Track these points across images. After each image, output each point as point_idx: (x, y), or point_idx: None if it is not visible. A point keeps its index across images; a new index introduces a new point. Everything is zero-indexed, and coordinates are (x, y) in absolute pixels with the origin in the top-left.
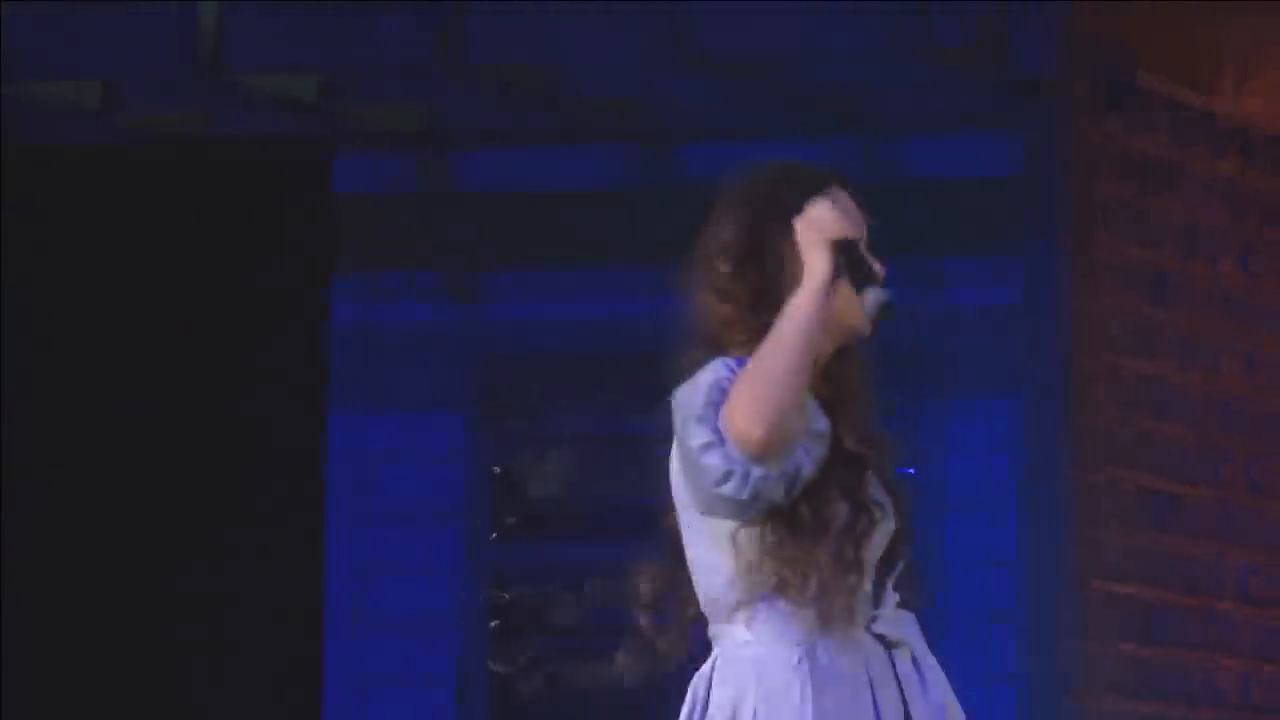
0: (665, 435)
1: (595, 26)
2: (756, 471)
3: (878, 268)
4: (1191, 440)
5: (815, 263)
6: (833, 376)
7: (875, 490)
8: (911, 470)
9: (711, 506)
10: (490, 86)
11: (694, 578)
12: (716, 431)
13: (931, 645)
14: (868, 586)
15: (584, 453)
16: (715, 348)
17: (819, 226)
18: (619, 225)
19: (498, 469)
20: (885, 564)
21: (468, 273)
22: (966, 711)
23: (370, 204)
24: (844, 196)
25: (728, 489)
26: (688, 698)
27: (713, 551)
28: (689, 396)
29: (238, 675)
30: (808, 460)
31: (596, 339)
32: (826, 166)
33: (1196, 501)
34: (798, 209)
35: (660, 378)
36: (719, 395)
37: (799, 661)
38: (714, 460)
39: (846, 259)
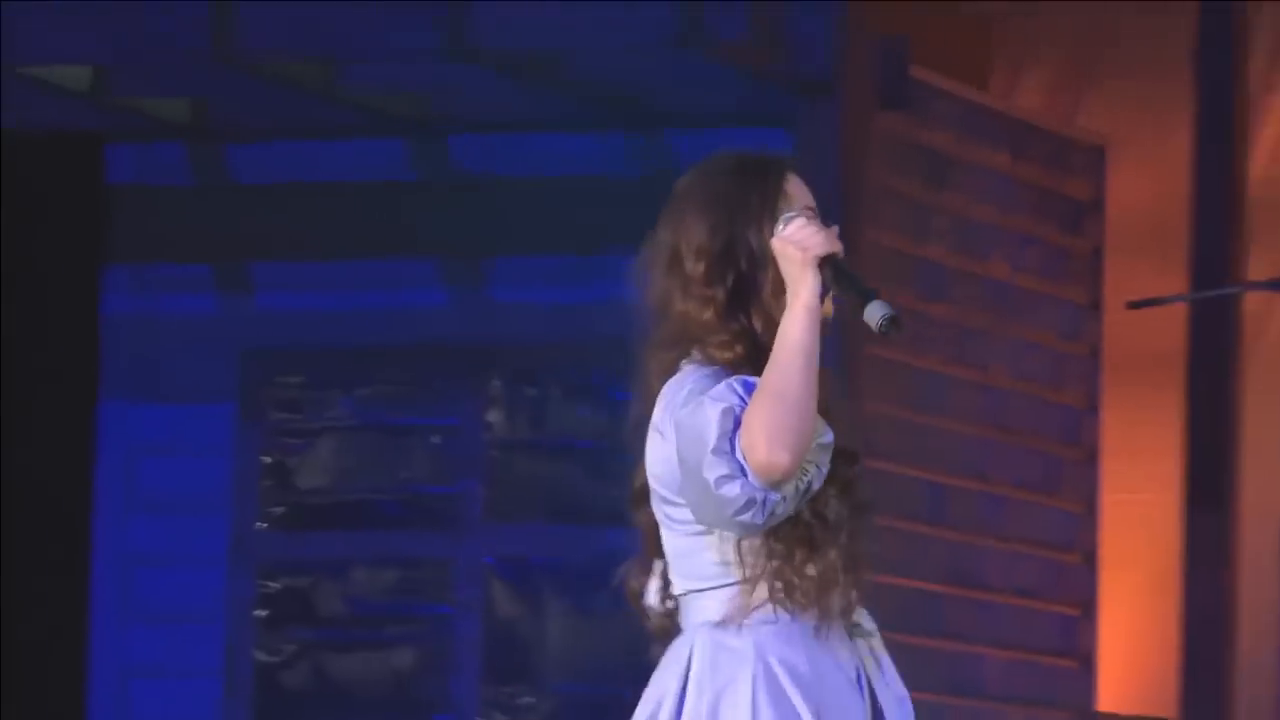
0: (433, 427)
1: (373, 21)
2: (774, 497)
3: (867, 281)
4: (960, 433)
5: (803, 283)
6: None
7: (863, 484)
8: None
9: (724, 527)
10: (265, 79)
11: (673, 562)
12: (736, 462)
13: None
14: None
15: (351, 444)
16: (690, 349)
17: (801, 245)
18: (391, 218)
19: (266, 459)
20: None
21: (238, 264)
22: None
23: (142, 195)
24: (797, 182)
25: (746, 517)
26: (658, 683)
27: (699, 537)
28: (698, 423)
29: None
30: (818, 475)
31: (366, 331)
32: (772, 152)
33: (964, 493)
34: (767, 205)
35: (428, 372)
36: (732, 424)
37: (798, 653)
38: (734, 491)
39: (833, 273)
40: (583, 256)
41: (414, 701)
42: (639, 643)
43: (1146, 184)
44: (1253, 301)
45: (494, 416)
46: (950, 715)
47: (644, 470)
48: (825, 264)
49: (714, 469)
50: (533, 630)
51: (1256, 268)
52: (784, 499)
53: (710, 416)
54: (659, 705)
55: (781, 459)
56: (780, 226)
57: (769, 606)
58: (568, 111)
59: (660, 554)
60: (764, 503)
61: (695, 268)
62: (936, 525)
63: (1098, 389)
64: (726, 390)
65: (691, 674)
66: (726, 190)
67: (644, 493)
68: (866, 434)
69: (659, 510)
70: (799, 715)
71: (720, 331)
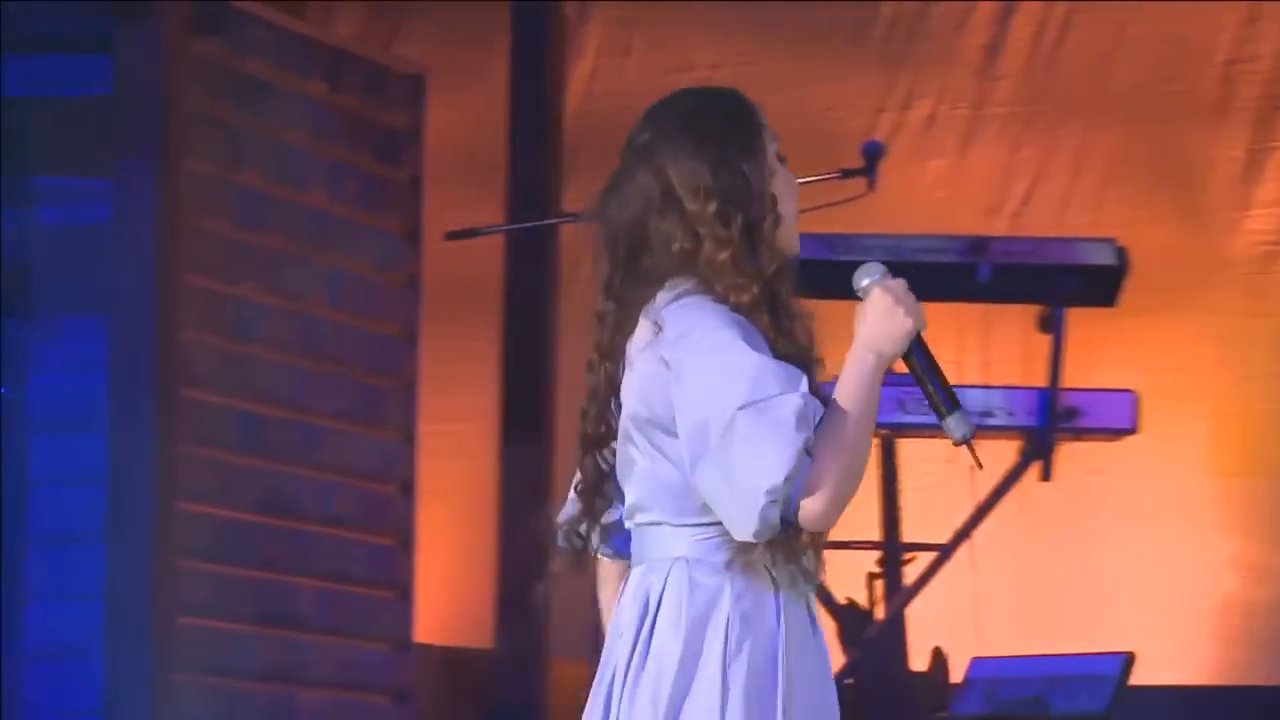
0: None
1: None
2: (791, 532)
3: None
4: (275, 362)
5: (890, 344)
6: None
7: None
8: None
9: (723, 516)
10: None
11: (647, 491)
12: (792, 494)
13: (15, 564)
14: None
15: None
16: (677, 281)
17: (912, 313)
18: None
19: None
20: None
21: None
22: (52, 629)
23: None
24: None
25: (753, 533)
26: (628, 614)
27: (676, 470)
28: (765, 427)
29: None
30: None
31: None
32: (731, 90)
33: (280, 423)
34: (761, 144)
35: None
36: (802, 447)
37: (767, 598)
38: (772, 516)
39: (919, 359)
40: None
41: None
42: None
43: (464, 114)
44: (569, 233)
45: None
46: (266, 646)
47: (606, 407)
48: (915, 341)
49: (770, 489)
50: None
51: (573, 200)
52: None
53: (785, 433)
54: (633, 636)
55: (829, 522)
56: (875, 275)
57: (746, 554)
58: None
59: (602, 496)
60: (778, 532)
61: (704, 208)
62: (251, 455)
63: (416, 319)
64: (798, 399)
65: (664, 606)
66: (718, 130)
67: (606, 434)
68: (185, 363)
69: (645, 439)
70: (776, 655)
71: (737, 274)
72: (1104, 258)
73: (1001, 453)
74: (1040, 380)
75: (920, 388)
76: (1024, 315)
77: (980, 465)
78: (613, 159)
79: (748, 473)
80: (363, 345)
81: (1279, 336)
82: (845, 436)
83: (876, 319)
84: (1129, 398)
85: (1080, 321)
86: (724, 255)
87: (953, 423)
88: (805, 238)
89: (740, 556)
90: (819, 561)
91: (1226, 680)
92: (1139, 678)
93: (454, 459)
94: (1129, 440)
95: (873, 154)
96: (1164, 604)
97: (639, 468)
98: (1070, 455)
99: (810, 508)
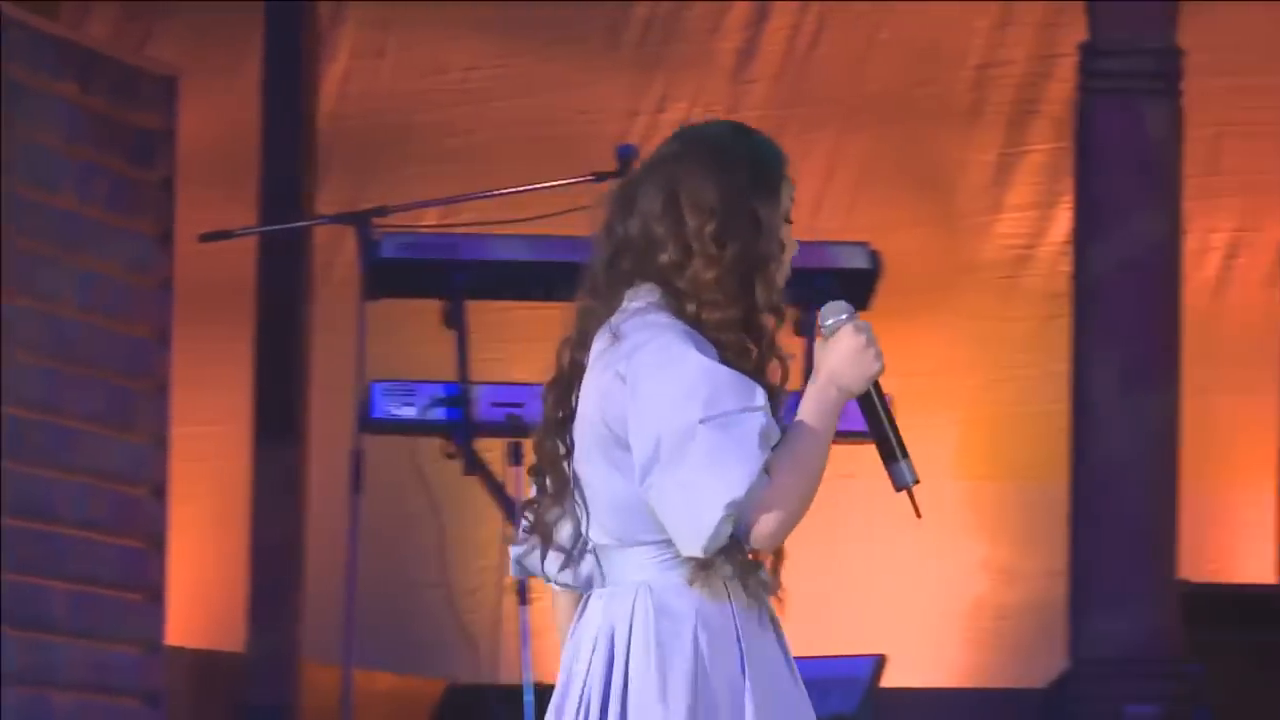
0: None
1: None
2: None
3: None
4: (27, 364)
5: (855, 384)
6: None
7: None
8: None
9: (670, 528)
10: None
11: (607, 512)
12: (742, 516)
13: None
14: None
15: None
16: (670, 302)
17: (876, 356)
18: None
19: None
20: None
21: None
22: None
23: None
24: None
25: (702, 548)
26: (602, 635)
27: (631, 487)
28: (730, 441)
29: None
30: None
31: None
32: (769, 137)
33: (33, 425)
34: (780, 185)
35: None
36: (762, 483)
37: (729, 616)
38: (725, 531)
39: (871, 403)
40: None
41: None
42: None
43: (217, 115)
44: (322, 235)
45: None
46: (17, 649)
47: (568, 393)
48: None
49: (730, 503)
50: None
51: (326, 202)
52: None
53: (748, 448)
54: (604, 665)
55: (778, 542)
56: (844, 315)
57: (706, 571)
58: None
59: (558, 505)
60: (726, 546)
61: (703, 226)
62: (6, 457)
63: (168, 321)
64: (760, 418)
65: (633, 633)
66: (743, 161)
67: (564, 419)
68: None
69: (602, 455)
70: (742, 668)
71: (718, 292)
72: (857, 261)
73: None
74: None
75: (872, 430)
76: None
77: (919, 515)
78: (367, 160)
79: (708, 485)
80: (114, 347)
81: (1029, 339)
82: (804, 460)
83: (846, 358)
84: None
85: None
86: (710, 274)
87: (903, 468)
88: (553, 240)
89: (700, 574)
90: (776, 574)
91: (977, 683)
92: (890, 680)
93: (206, 461)
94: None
95: (626, 157)
96: (915, 607)
97: (595, 487)
98: None
99: (762, 526)
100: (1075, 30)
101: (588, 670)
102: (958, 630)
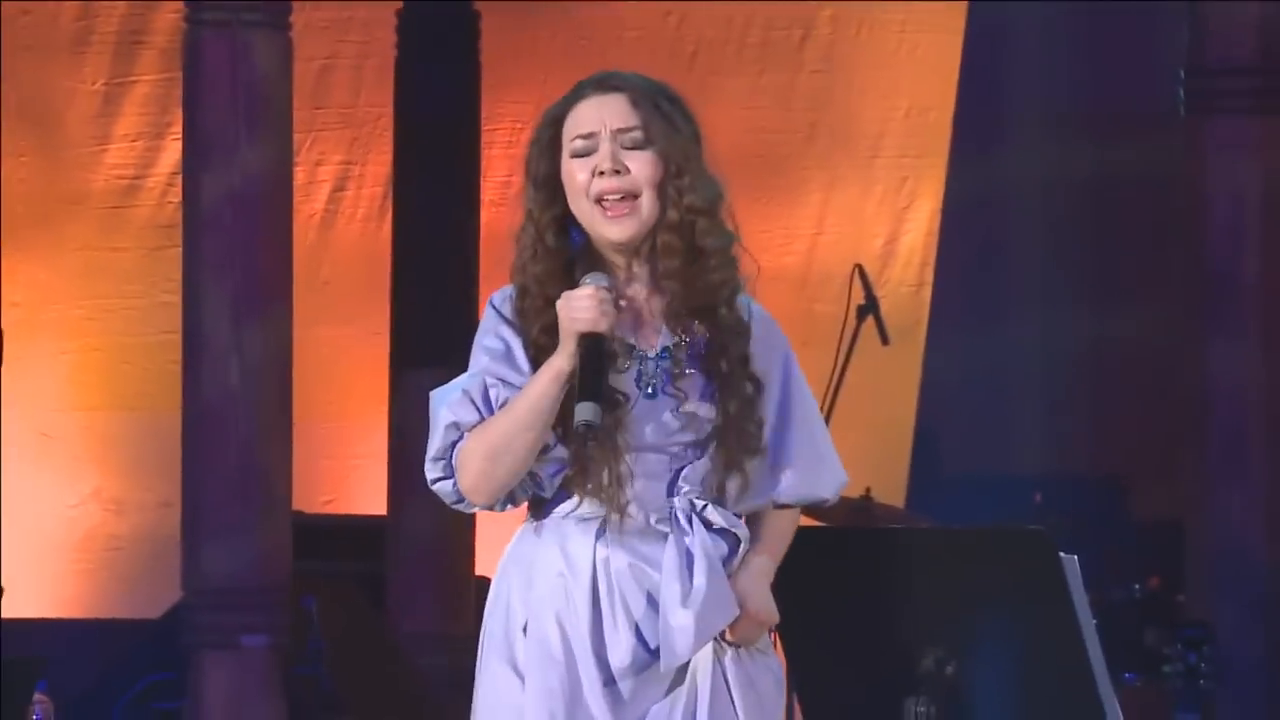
0: None
1: None
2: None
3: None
4: None
5: (562, 349)
6: None
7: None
8: None
9: None
10: None
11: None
12: (449, 468)
13: None
14: None
15: None
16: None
17: (570, 314)
18: None
19: None
20: None
21: None
22: None
23: None
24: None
25: (463, 508)
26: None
27: None
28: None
29: None
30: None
31: None
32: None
33: None
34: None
35: None
36: (456, 434)
37: None
38: (448, 489)
39: (582, 353)
40: None
41: None
42: None
43: None
44: None
45: None
46: None
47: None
48: (584, 340)
49: (430, 471)
50: None
51: None
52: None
53: (436, 418)
54: None
55: (477, 498)
56: (583, 283)
57: None
58: None
59: None
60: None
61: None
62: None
63: None
64: (460, 400)
65: None
66: (543, 121)
67: None
68: None
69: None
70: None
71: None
72: None
73: None
74: None
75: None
76: None
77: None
78: None
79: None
80: None
81: (138, 270)
82: (493, 435)
83: (561, 306)
84: None
85: None
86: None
87: (581, 407)
88: None
89: None
90: None
91: (93, 613)
92: (8, 610)
93: None
94: None
95: None
96: (28, 537)
97: None
98: None
99: (461, 484)
100: None
101: None
102: (71, 561)
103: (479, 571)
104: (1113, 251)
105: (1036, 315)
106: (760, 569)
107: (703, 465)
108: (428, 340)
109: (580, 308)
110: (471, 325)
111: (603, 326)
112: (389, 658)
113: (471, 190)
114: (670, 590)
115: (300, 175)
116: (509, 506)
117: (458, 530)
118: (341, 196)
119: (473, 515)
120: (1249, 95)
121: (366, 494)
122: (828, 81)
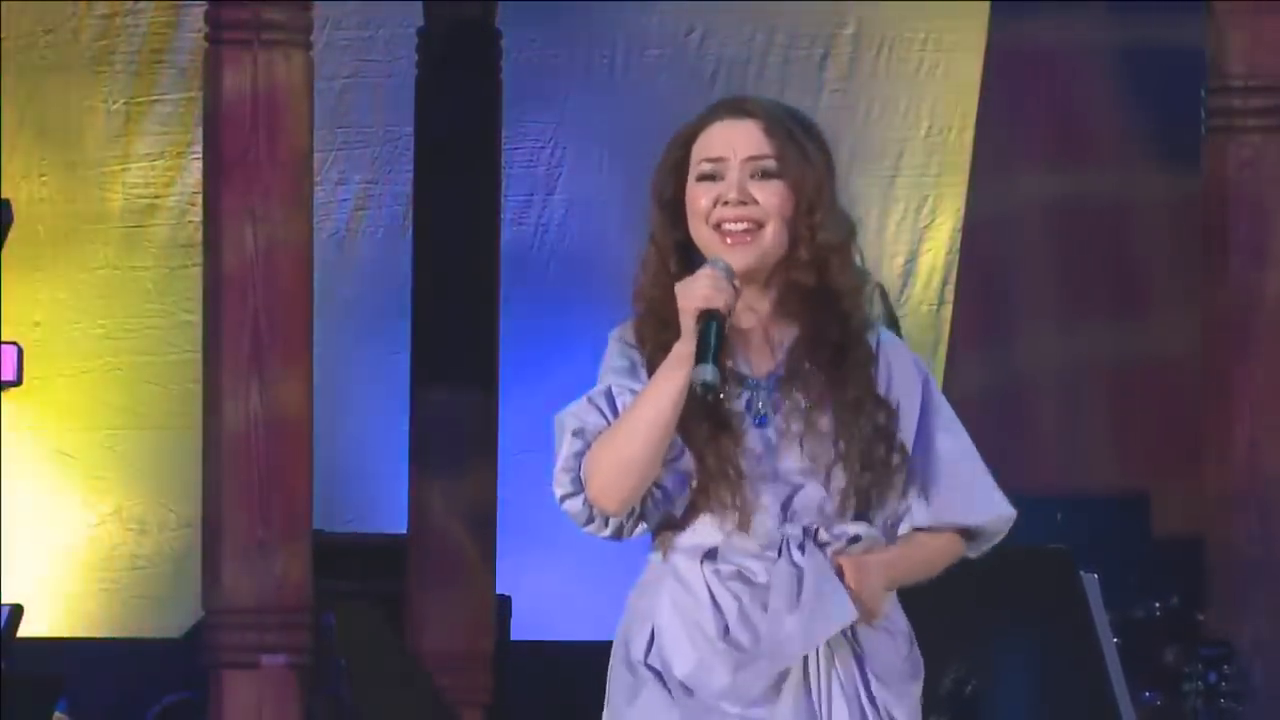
0: None
1: None
2: (616, 520)
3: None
4: None
5: (683, 338)
6: None
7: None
8: None
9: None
10: None
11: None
12: (577, 482)
13: None
14: None
15: None
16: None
17: (683, 295)
18: None
19: None
20: None
21: None
22: None
23: None
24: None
25: (592, 529)
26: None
27: None
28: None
29: None
30: (677, 488)
31: None
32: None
33: None
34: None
35: None
36: (582, 442)
37: None
38: (577, 507)
39: (703, 326)
40: None
41: None
42: None
43: None
44: None
45: None
46: None
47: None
48: (702, 315)
49: (558, 486)
50: None
51: None
52: (633, 517)
53: (563, 431)
54: None
55: (610, 505)
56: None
57: None
58: None
59: None
60: (605, 521)
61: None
62: None
63: None
64: (586, 410)
65: None
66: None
67: None
68: None
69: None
70: None
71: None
72: None
73: None
74: None
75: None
76: None
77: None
78: None
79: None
80: None
81: (156, 288)
82: (620, 438)
83: (681, 287)
84: (13, 350)
85: None
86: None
87: (701, 370)
88: None
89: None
90: None
91: (113, 633)
92: (26, 630)
93: None
94: (13, 392)
95: None
96: (49, 556)
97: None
98: None
99: (590, 494)
100: None
101: None
102: (92, 580)
103: (500, 590)
104: (1133, 270)
105: (1057, 334)
106: (877, 558)
107: (816, 493)
108: (448, 358)
109: (697, 285)
110: (492, 343)
111: (719, 303)
112: (410, 677)
113: (492, 209)
114: (779, 598)
115: (321, 194)
116: (637, 529)
117: (479, 549)
118: (362, 215)
119: (493, 533)
120: (1272, 113)
121: (387, 513)
122: (848, 101)
